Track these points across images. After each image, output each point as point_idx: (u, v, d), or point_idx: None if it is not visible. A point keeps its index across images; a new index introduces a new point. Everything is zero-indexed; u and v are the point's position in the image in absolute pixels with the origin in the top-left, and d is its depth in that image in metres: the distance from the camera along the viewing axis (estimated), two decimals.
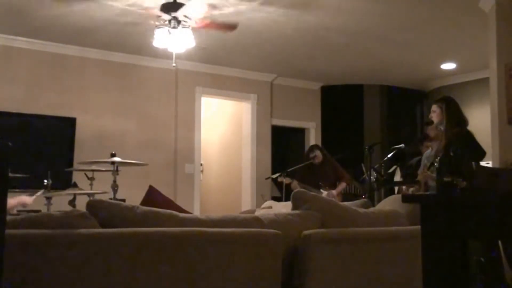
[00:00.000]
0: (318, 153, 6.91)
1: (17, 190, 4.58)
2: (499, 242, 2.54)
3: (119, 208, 2.51)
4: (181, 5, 5.15)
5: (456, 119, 4.35)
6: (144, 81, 7.59)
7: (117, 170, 5.11)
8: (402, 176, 6.39)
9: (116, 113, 7.36)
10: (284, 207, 4.42)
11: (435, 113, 4.41)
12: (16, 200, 4.31)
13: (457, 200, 2.16)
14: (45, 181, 4.74)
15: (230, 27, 5.60)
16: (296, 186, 6.52)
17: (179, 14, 5.22)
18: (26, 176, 4.67)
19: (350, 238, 2.90)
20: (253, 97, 8.42)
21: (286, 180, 6.77)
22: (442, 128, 4.34)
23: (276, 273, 2.61)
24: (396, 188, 6.34)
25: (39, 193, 4.56)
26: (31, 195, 4.61)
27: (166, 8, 5.22)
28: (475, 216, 2.10)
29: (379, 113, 9.30)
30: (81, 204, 3.24)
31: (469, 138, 4.24)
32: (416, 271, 2.41)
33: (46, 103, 6.87)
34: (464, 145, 4.12)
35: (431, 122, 4.60)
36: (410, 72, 8.36)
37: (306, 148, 7.80)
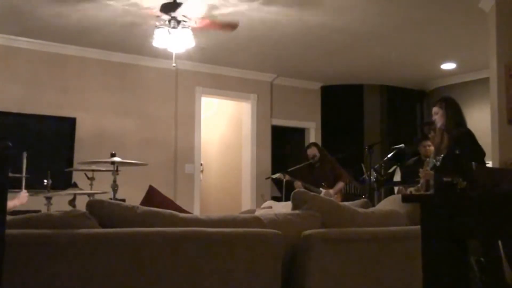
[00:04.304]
0: (315, 149, 6.92)
1: (17, 190, 4.58)
2: (499, 242, 2.54)
3: (119, 208, 2.51)
4: (179, 4, 5.15)
5: (456, 119, 4.34)
6: (144, 81, 7.59)
7: (117, 170, 5.10)
8: (402, 176, 6.40)
9: (116, 113, 7.36)
10: (284, 207, 4.42)
11: (438, 115, 4.40)
12: (12, 203, 4.31)
13: (457, 200, 2.16)
14: (45, 181, 4.74)
15: (231, 26, 5.59)
16: (299, 186, 6.53)
17: (178, 14, 5.22)
18: (26, 176, 4.67)
19: (350, 238, 2.90)
20: (253, 97, 8.42)
21: (286, 177, 6.77)
22: (444, 128, 4.33)
23: (276, 273, 2.61)
24: (396, 188, 6.35)
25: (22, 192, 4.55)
26: (31, 195, 4.63)
27: (165, 8, 5.22)
28: (475, 216, 2.10)
29: (379, 113, 9.30)
30: (81, 204, 3.24)
31: (472, 138, 4.24)
32: (416, 271, 2.41)
33: (46, 103, 6.87)
34: (468, 145, 4.12)
35: (430, 123, 4.59)
36: (410, 72, 8.36)
37: None
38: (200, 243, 2.48)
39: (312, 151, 6.92)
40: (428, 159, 4.95)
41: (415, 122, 9.46)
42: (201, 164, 8.36)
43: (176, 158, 7.73)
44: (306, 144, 8.63)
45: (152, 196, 3.40)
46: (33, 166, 4.77)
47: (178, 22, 5.28)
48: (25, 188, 4.61)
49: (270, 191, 8.33)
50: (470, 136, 4.22)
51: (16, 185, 4.61)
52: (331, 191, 6.69)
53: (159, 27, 5.36)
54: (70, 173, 6.23)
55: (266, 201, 6.16)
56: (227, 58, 7.59)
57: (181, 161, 7.75)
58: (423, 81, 8.88)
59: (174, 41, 5.36)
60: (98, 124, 7.21)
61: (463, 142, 4.07)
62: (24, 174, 4.62)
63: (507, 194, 2.11)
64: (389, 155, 6.08)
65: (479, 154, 4.16)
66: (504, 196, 2.09)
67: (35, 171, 4.77)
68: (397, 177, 6.47)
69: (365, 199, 3.86)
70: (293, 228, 2.78)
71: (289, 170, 6.92)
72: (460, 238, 2.15)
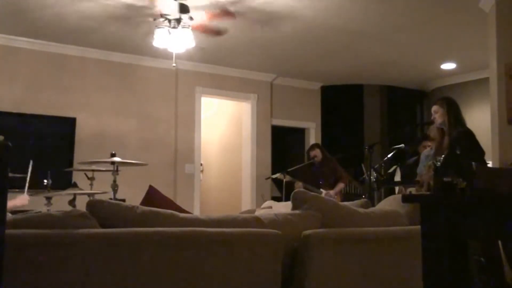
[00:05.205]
0: (318, 151, 6.93)
1: (17, 190, 4.58)
2: (499, 242, 2.54)
3: (119, 208, 2.51)
4: (186, 7, 5.18)
5: (456, 118, 4.35)
6: (144, 81, 7.59)
7: (117, 170, 5.10)
8: (402, 176, 6.40)
9: (116, 113, 7.36)
10: (284, 207, 4.42)
11: (438, 114, 4.40)
12: (13, 203, 4.31)
13: (457, 200, 2.16)
14: (45, 181, 4.74)
15: (218, 32, 5.67)
16: (299, 186, 6.53)
17: (185, 16, 5.24)
18: (29, 181, 4.66)
19: (350, 238, 2.90)
20: (253, 97, 8.42)
21: (286, 177, 6.77)
22: (444, 128, 4.33)
23: (276, 273, 2.61)
24: (396, 188, 6.35)
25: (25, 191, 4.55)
26: (30, 195, 4.62)
27: (180, 9, 5.24)
28: (475, 216, 2.10)
29: (379, 113, 9.30)
30: (81, 204, 3.24)
31: (472, 138, 4.24)
32: (416, 271, 2.41)
33: (46, 103, 6.87)
34: (468, 144, 4.12)
35: (431, 123, 4.59)
36: (410, 72, 8.36)
37: (306, 148, 7.81)
38: (200, 243, 2.48)
39: (315, 153, 6.91)
40: (424, 161, 4.95)
41: (415, 122, 9.47)
42: (201, 164, 8.36)
43: (176, 158, 7.73)
44: (306, 144, 8.66)
45: (152, 196, 3.40)
46: (33, 166, 4.77)
47: (178, 22, 5.28)
48: (23, 188, 4.60)
49: (270, 191, 8.34)
50: (470, 135, 4.22)
51: (17, 186, 4.61)
52: (332, 192, 6.69)
53: (159, 27, 5.37)
54: (70, 173, 6.23)
55: (266, 201, 6.16)
56: (227, 58, 7.59)
57: (181, 161, 7.75)
58: (423, 81, 8.88)
59: (174, 41, 5.36)
60: (98, 124, 7.21)
61: (464, 142, 4.07)
62: (28, 179, 4.61)
63: (507, 194, 2.11)
64: (389, 155, 6.07)
65: (479, 153, 4.16)
66: (504, 196, 2.09)
67: (35, 171, 4.76)
68: (397, 177, 6.47)
69: (365, 199, 3.86)
70: (293, 228, 2.77)
71: (289, 170, 6.92)
72: (460, 238, 2.15)
